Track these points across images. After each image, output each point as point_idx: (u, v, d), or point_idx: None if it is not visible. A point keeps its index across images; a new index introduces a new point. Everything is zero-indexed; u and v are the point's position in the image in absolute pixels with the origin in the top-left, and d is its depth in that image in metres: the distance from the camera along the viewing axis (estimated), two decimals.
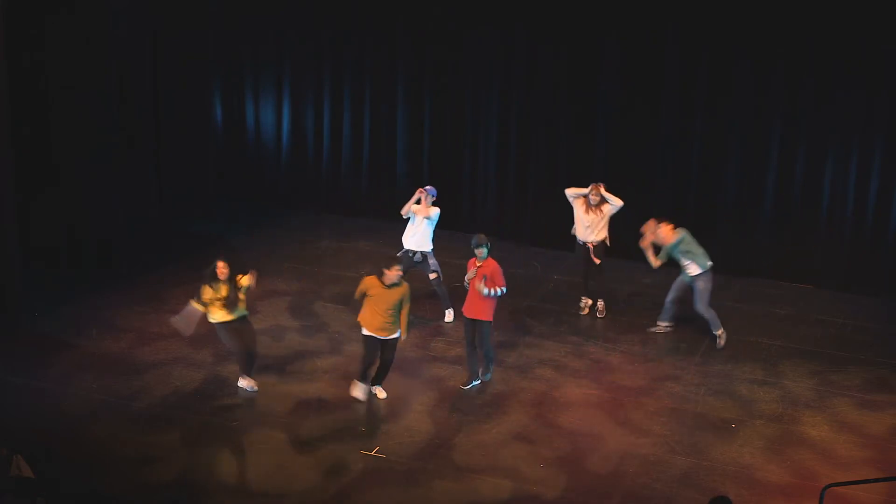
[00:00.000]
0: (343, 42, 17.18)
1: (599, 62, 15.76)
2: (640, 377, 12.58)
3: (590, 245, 13.90)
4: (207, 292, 11.48)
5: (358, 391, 11.83)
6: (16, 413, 11.35)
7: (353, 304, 11.93)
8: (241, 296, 11.60)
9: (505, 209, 16.87)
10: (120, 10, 15.31)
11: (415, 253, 13.78)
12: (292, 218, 17.65)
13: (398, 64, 16.98)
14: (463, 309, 12.13)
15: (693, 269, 13.12)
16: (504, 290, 11.93)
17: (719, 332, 13.32)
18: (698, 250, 13.09)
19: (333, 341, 13.31)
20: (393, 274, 11.43)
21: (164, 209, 16.86)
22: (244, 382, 11.97)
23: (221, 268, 11.41)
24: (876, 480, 10.21)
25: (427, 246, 13.79)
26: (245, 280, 11.62)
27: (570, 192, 13.95)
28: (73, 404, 11.60)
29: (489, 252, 11.95)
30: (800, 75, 14.88)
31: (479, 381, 12.26)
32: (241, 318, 11.75)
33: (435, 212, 13.68)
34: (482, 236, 12.01)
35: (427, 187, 13.77)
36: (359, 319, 11.76)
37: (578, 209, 13.88)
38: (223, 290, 11.50)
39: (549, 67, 16.03)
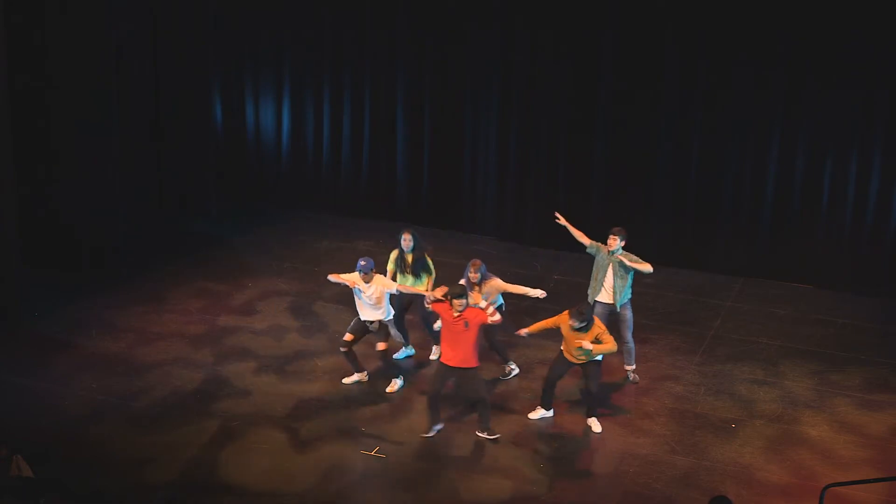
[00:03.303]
0: (343, 42, 17.18)
1: (599, 62, 15.76)
2: (640, 377, 12.57)
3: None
4: (391, 259, 12.34)
5: (535, 413, 11.57)
6: (16, 413, 11.35)
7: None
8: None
9: (505, 209, 16.87)
10: (120, 9, 15.31)
11: (372, 322, 12.03)
12: (292, 218, 17.65)
13: (398, 64, 16.98)
14: (442, 357, 11.15)
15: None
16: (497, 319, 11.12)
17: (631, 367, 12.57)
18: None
19: (333, 341, 13.31)
20: (573, 321, 10.96)
21: (164, 209, 16.87)
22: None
23: (406, 239, 12.17)
24: (876, 480, 10.22)
25: (386, 313, 11.99)
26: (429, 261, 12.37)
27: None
28: (73, 404, 11.61)
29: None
30: (800, 75, 14.88)
31: (441, 427, 11.27)
32: (416, 294, 12.25)
33: (383, 281, 11.78)
34: (463, 286, 11.08)
35: (363, 262, 11.66)
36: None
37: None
38: (408, 258, 12.23)
39: (549, 67, 16.03)
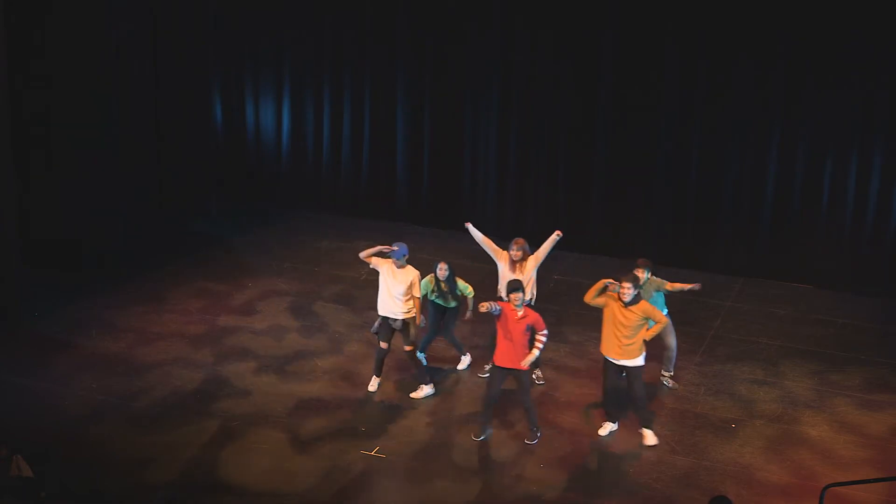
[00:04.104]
0: (343, 42, 17.18)
1: (599, 62, 15.76)
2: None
3: None
4: (426, 283, 12.19)
5: (603, 429, 11.25)
6: (16, 413, 11.35)
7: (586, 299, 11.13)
8: (465, 293, 12.31)
9: (505, 209, 16.87)
10: (120, 9, 15.31)
11: (395, 320, 11.86)
12: (292, 218, 17.65)
13: (398, 64, 16.98)
14: (495, 360, 11.04)
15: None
16: (546, 333, 10.98)
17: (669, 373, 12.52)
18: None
19: (333, 341, 13.32)
20: (625, 289, 10.70)
21: (164, 210, 16.87)
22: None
23: (442, 269, 12.09)
24: (876, 480, 10.21)
25: (408, 310, 11.85)
26: (462, 284, 12.29)
27: (485, 244, 12.23)
28: (73, 404, 11.61)
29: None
30: (800, 75, 14.88)
31: (491, 432, 11.24)
32: (450, 308, 12.32)
33: (413, 276, 11.71)
34: (519, 280, 11.01)
35: (395, 246, 11.68)
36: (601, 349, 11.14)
37: (502, 265, 12.06)
38: (442, 286, 12.16)
39: (549, 67, 16.04)
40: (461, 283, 12.34)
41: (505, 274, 11.98)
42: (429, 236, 16.57)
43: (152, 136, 16.47)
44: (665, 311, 11.93)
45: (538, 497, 10.27)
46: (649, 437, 11.14)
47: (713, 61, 15.22)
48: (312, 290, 14.80)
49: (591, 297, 11.11)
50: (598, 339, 13.28)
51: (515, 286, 10.84)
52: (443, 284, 12.23)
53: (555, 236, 12.02)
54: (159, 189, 16.82)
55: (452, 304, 12.35)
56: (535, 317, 10.89)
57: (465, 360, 12.74)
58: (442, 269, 12.19)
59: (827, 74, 14.73)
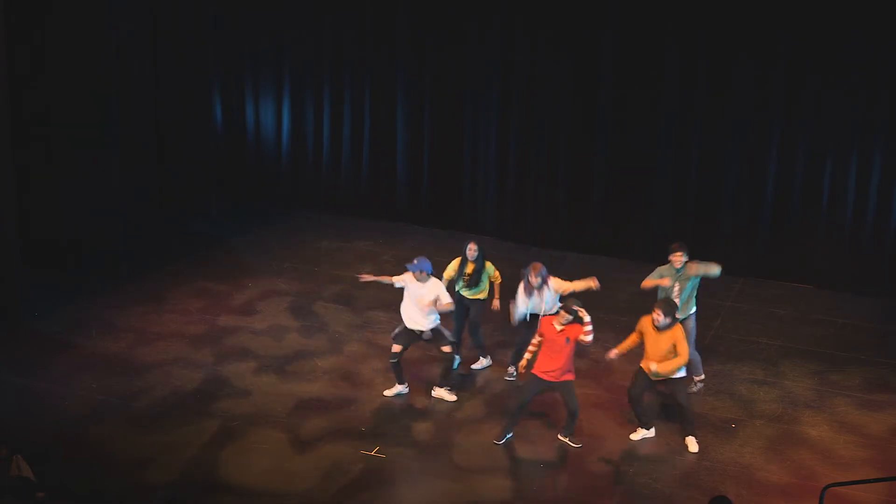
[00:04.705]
0: (343, 42, 17.18)
1: (599, 62, 15.76)
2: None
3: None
4: (453, 265, 12.24)
5: (636, 434, 11.24)
6: (16, 413, 11.36)
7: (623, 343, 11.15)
8: (493, 279, 12.25)
9: (505, 209, 16.87)
10: (120, 9, 15.30)
11: (421, 332, 11.84)
12: (292, 218, 17.65)
13: (398, 64, 16.98)
14: (535, 371, 10.92)
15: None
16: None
17: (700, 377, 12.40)
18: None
19: (333, 341, 13.32)
20: (657, 315, 10.74)
21: (164, 210, 16.86)
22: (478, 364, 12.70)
23: (472, 249, 12.05)
24: (876, 480, 10.22)
25: (436, 318, 11.77)
26: (491, 268, 12.21)
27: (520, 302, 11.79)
28: (73, 404, 11.62)
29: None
30: (800, 75, 14.88)
31: (509, 437, 11.18)
32: (473, 300, 12.25)
33: (439, 288, 11.55)
34: (573, 300, 10.86)
35: (416, 261, 11.59)
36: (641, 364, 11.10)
37: (520, 286, 11.87)
38: (468, 268, 12.09)
39: (549, 67, 16.03)
40: (490, 266, 12.26)
41: (522, 297, 11.72)
42: (429, 236, 16.57)
43: (152, 136, 16.45)
44: (694, 310, 11.91)
45: (538, 497, 10.27)
46: (692, 444, 11.08)
47: (713, 61, 15.21)
48: (312, 290, 14.80)
49: (627, 347, 11.19)
50: (598, 340, 13.34)
51: (568, 307, 10.73)
52: (469, 265, 12.12)
53: (592, 285, 11.73)
54: (159, 189, 16.80)
55: (476, 291, 12.23)
56: (577, 332, 10.79)
57: (484, 362, 12.71)
58: (472, 249, 12.09)
59: (827, 74, 14.72)
